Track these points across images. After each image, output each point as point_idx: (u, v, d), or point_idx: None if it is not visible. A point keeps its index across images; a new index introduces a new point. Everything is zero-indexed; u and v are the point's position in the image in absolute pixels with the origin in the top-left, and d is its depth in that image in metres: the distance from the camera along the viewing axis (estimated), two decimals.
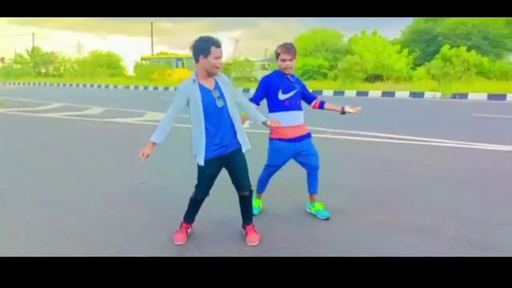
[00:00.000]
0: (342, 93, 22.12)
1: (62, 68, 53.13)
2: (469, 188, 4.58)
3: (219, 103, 2.85)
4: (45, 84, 39.83)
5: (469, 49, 23.87)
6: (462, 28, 31.46)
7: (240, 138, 2.98)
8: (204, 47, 2.75)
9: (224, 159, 2.95)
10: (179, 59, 35.44)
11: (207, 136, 2.86)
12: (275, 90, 3.41)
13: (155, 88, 29.72)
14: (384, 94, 20.91)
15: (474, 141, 7.16)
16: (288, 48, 3.37)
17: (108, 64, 46.01)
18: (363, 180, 4.88)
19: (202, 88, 2.84)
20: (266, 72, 28.62)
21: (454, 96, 18.82)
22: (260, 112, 3.23)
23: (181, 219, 3.20)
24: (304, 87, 3.60)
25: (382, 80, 27.16)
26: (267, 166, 3.63)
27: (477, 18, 29.64)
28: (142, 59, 40.14)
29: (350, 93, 21.93)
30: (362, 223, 3.52)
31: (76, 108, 14.15)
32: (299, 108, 3.48)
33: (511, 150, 6.50)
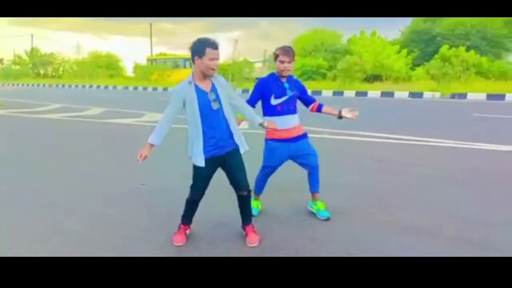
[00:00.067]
0: (341, 93, 22.14)
1: (61, 69, 53.16)
2: (468, 188, 4.58)
3: (215, 106, 2.85)
4: (44, 85, 39.84)
5: (468, 49, 23.91)
6: (460, 28, 31.50)
7: (236, 139, 2.98)
8: (199, 48, 2.75)
9: (219, 159, 2.95)
10: (187, 59, 34.79)
11: (203, 138, 2.86)
12: (269, 94, 3.44)
13: (154, 89, 29.73)
14: (383, 94, 20.94)
15: (474, 141, 7.17)
16: (287, 51, 3.38)
17: (107, 65, 46.03)
18: (362, 180, 4.88)
19: (198, 90, 2.84)
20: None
21: (453, 96, 18.86)
22: (257, 114, 3.24)
23: (179, 220, 3.20)
24: (303, 89, 3.59)
25: (381, 80, 27.21)
26: (263, 167, 3.64)
27: (475, 18, 29.68)
28: (148, 59, 39.55)
29: (349, 93, 21.95)
30: (361, 223, 3.52)
31: (75, 109, 14.15)
32: (292, 112, 3.47)
33: (510, 150, 6.51)
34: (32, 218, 3.72)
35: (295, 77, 3.64)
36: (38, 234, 3.37)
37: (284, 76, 3.45)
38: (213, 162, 2.95)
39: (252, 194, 3.68)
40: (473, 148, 6.74)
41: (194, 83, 2.85)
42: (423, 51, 32.48)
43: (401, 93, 20.49)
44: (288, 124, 3.45)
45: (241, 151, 3.03)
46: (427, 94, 19.74)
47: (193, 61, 2.82)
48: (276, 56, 3.43)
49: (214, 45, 2.76)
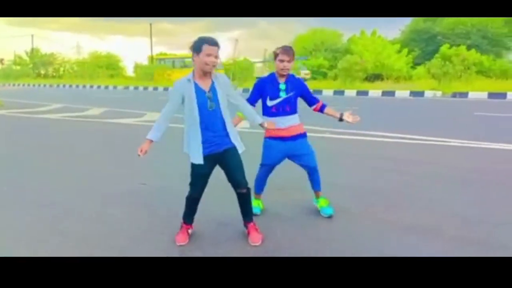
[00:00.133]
0: (342, 92, 22.13)
1: (61, 69, 53.27)
2: (470, 187, 4.55)
3: (211, 106, 2.84)
4: (44, 85, 39.87)
5: (468, 48, 23.93)
6: (461, 27, 31.52)
7: (233, 139, 2.98)
8: (196, 45, 2.77)
9: (216, 157, 2.95)
10: None
11: (200, 136, 2.86)
12: (265, 95, 3.46)
13: (155, 88, 29.73)
14: (384, 93, 20.93)
15: (475, 140, 7.14)
16: (286, 50, 3.39)
17: (108, 65, 46.12)
18: (364, 180, 4.85)
19: (197, 89, 2.84)
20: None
21: (454, 95, 18.83)
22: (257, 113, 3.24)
23: (181, 220, 3.18)
24: (305, 89, 3.56)
25: (382, 79, 27.20)
26: (261, 165, 3.65)
27: (476, 17, 29.67)
28: (155, 58, 39.16)
29: (350, 92, 21.94)
30: (365, 223, 3.49)
31: (75, 109, 14.14)
32: (287, 113, 3.46)
33: None
34: (32, 218, 3.69)
35: (297, 76, 3.62)
36: (38, 234, 3.34)
37: (283, 76, 3.43)
38: (210, 160, 2.94)
39: (253, 193, 3.68)
40: (475, 147, 6.70)
41: (194, 81, 2.85)
42: (424, 50, 32.50)
43: (402, 92, 20.48)
44: (284, 124, 3.44)
45: (238, 151, 3.03)
46: (428, 93, 19.72)
47: (193, 59, 2.82)
48: (275, 55, 3.43)
49: (210, 42, 2.75)
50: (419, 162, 5.70)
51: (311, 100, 3.61)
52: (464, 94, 18.52)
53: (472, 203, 3.97)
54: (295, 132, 3.49)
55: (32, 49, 56.02)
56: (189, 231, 3.18)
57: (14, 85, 42.12)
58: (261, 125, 3.22)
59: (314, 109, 3.66)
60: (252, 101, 3.47)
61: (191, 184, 3.04)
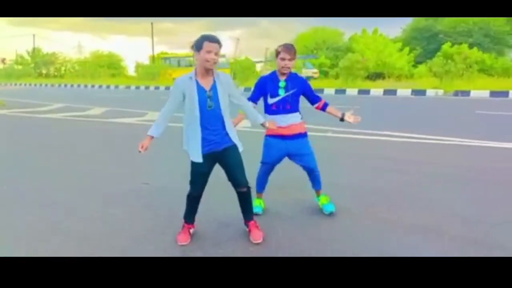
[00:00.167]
0: (343, 91, 22.09)
1: (63, 68, 53.36)
2: (471, 186, 4.54)
3: (209, 105, 2.84)
4: (46, 85, 39.93)
5: (470, 46, 23.87)
6: (463, 25, 31.43)
7: (232, 138, 2.98)
8: (198, 43, 2.79)
9: (215, 156, 2.96)
10: None
11: (200, 134, 2.87)
12: (266, 92, 3.47)
13: (156, 87, 29.74)
14: (386, 92, 20.89)
15: (477, 138, 7.12)
16: (288, 48, 3.38)
17: (109, 65, 46.18)
18: (365, 180, 4.84)
19: (199, 87, 2.84)
20: (303, 70, 28.20)
21: (456, 93, 18.78)
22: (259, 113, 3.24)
23: (182, 220, 3.19)
24: (307, 87, 3.55)
25: (383, 78, 27.14)
26: (261, 163, 3.66)
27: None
28: (161, 57, 38.44)
29: (352, 91, 21.90)
30: (366, 223, 3.49)
31: (77, 109, 14.16)
32: (288, 112, 3.45)
33: None
34: (33, 218, 3.70)
35: (300, 75, 3.61)
36: (38, 234, 3.35)
37: (284, 74, 3.43)
38: (210, 159, 2.95)
39: (255, 193, 3.68)
40: (476, 145, 6.69)
41: (196, 79, 2.85)
42: (425, 48, 32.43)
43: (404, 91, 20.43)
44: (285, 123, 3.44)
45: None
46: (430, 92, 19.67)
47: (195, 57, 2.84)
48: (277, 53, 3.43)
49: (211, 39, 2.77)
50: (420, 161, 5.69)
51: (313, 99, 3.61)
52: (466, 93, 18.47)
53: (472, 203, 3.96)
54: (296, 131, 3.49)
55: (34, 49, 56.11)
56: (191, 230, 3.18)
57: (15, 84, 42.20)
58: (262, 124, 3.23)
59: (317, 108, 3.65)
60: (254, 99, 3.48)
61: (191, 182, 3.05)
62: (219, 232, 3.31)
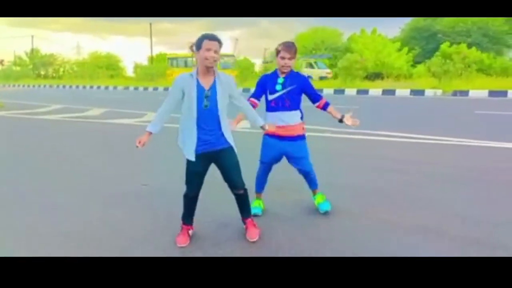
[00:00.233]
0: (342, 91, 22.10)
1: (61, 69, 53.26)
2: (472, 186, 4.54)
3: (206, 105, 2.84)
4: (44, 86, 39.86)
5: (469, 46, 23.88)
6: (461, 25, 31.46)
7: (228, 139, 2.97)
8: (198, 42, 2.80)
9: (211, 156, 2.95)
10: None
11: (196, 132, 2.87)
12: (266, 89, 3.50)
13: (155, 88, 29.71)
14: (385, 92, 20.90)
15: (476, 138, 7.12)
16: (288, 47, 3.37)
17: (108, 66, 46.11)
18: (364, 180, 4.84)
19: (198, 85, 2.85)
20: (311, 71, 28.31)
21: (455, 93, 18.79)
22: (258, 112, 3.25)
23: (181, 221, 3.18)
24: (307, 85, 3.54)
25: (382, 78, 27.13)
26: (260, 163, 3.68)
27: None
28: (169, 58, 37.24)
29: (351, 91, 21.92)
30: (366, 223, 3.48)
31: (75, 110, 14.14)
32: (287, 109, 3.45)
33: None
34: (32, 218, 3.69)
35: (301, 73, 3.60)
36: (38, 235, 3.34)
37: (284, 72, 3.43)
38: (205, 158, 2.94)
39: (254, 193, 3.68)
40: (475, 145, 6.69)
41: (196, 78, 2.86)
42: (424, 48, 32.46)
43: (403, 91, 20.45)
44: (283, 120, 3.45)
45: None
46: (428, 92, 19.68)
47: (196, 56, 2.85)
48: (277, 52, 3.44)
49: (210, 37, 2.78)
50: (419, 161, 5.69)
51: (314, 97, 3.60)
52: (465, 93, 18.48)
53: (473, 203, 3.96)
54: (292, 132, 3.48)
55: (32, 50, 56.01)
56: (190, 232, 3.17)
57: (14, 86, 42.13)
58: (262, 127, 3.24)
59: (317, 107, 3.65)
60: (255, 96, 3.52)
61: (187, 182, 3.05)
62: (218, 232, 3.30)
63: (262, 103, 3.57)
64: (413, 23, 35.40)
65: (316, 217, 3.60)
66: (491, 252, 2.89)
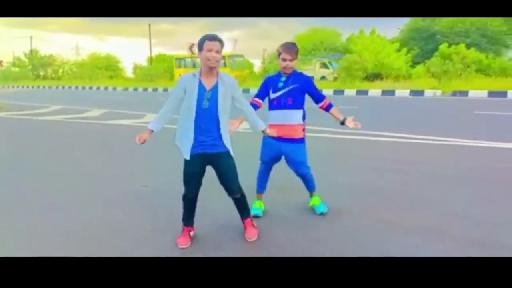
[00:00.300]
0: (341, 92, 22.10)
1: (60, 70, 53.11)
2: (472, 186, 4.54)
3: (205, 105, 2.84)
4: (43, 87, 39.79)
5: (468, 46, 23.87)
6: (460, 25, 31.46)
7: (225, 143, 2.97)
8: (199, 43, 2.83)
9: (207, 157, 2.95)
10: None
11: (193, 132, 2.87)
12: (269, 88, 3.55)
13: (154, 89, 29.69)
14: (384, 92, 20.89)
15: (476, 139, 7.13)
16: (289, 48, 3.38)
17: (107, 66, 45.99)
18: (364, 180, 4.84)
19: (200, 85, 2.85)
20: (326, 71, 28.08)
21: (454, 93, 18.80)
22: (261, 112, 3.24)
23: (182, 223, 3.18)
24: (310, 85, 3.54)
25: (381, 78, 27.11)
26: (260, 162, 3.71)
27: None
28: (177, 58, 36.02)
29: (350, 92, 21.91)
30: (366, 223, 3.48)
31: (75, 111, 14.13)
32: (289, 107, 3.47)
33: None
34: (32, 219, 3.69)
35: (305, 74, 3.60)
36: (38, 235, 3.34)
37: (286, 73, 3.46)
38: (201, 159, 2.94)
39: (254, 193, 3.68)
40: (475, 146, 6.70)
41: (199, 78, 2.87)
42: (423, 49, 32.42)
43: (402, 91, 20.44)
44: (283, 119, 3.46)
45: None
46: (428, 92, 19.68)
47: (199, 57, 2.87)
48: (278, 54, 3.46)
49: (210, 37, 2.80)
50: (419, 161, 5.69)
51: (318, 98, 3.60)
52: (464, 93, 18.49)
53: (473, 203, 3.96)
54: (289, 135, 3.48)
55: (31, 51, 55.88)
56: (191, 233, 3.17)
57: (13, 87, 42.07)
58: (263, 131, 3.24)
59: (321, 107, 3.64)
60: (260, 96, 3.56)
61: (185, 182, 3.04)
62: (219, 233, 3.30)
63: (265, 104, 3.60)
64: (412, 23, 35.38)
65: (316, 217, 3.60)
66: (491, 252, 2.89)
